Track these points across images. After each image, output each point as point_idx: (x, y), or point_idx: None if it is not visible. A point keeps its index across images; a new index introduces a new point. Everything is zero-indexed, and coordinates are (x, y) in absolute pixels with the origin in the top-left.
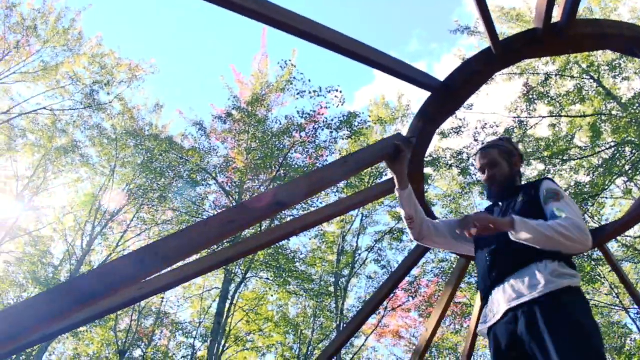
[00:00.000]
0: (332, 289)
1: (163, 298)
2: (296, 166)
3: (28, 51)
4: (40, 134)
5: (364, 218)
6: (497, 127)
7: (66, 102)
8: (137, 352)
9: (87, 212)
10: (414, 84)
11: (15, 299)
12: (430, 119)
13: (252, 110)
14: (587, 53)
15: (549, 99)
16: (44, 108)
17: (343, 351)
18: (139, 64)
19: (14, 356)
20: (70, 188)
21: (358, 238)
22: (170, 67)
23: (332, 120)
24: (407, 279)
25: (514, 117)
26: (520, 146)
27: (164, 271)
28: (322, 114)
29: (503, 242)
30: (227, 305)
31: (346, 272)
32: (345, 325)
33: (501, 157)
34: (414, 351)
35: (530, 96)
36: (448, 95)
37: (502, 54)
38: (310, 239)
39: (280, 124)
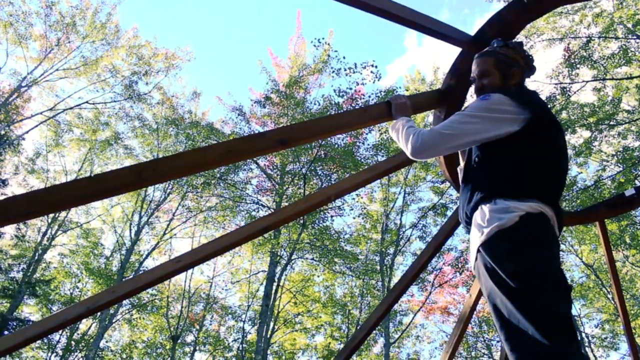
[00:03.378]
0: (377, 267)
1: (211, 283)
2: (336, 146)
3: (69, 48)
4: (84, 128)
5: (406, 195)
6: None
7: (107, 95)
8: (189, 337)
9: (133, 203)
10: (444, 40)
11: (71, 290)
12: (462, 76)
13: (290, 92)
14: (632, 12)
15: (592, 62)
16: (87, 102)
17: (392, 328)
18: (175, 52)
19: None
20: None
21: (401, 215)
22: (207, 53)
23: (370, 97)
24: (453, 254)
25: (556, 84)
26: (561, 109)
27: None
28: (360, 92)
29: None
30: (274, 288)
31: (391, 250)
32: (385, 295)
33: (496, 67)
34: (458, 319)
35: (572, 61)
36: (479, 50)
37: (534, 0)
38: (354, 218)
39: (319, 105)
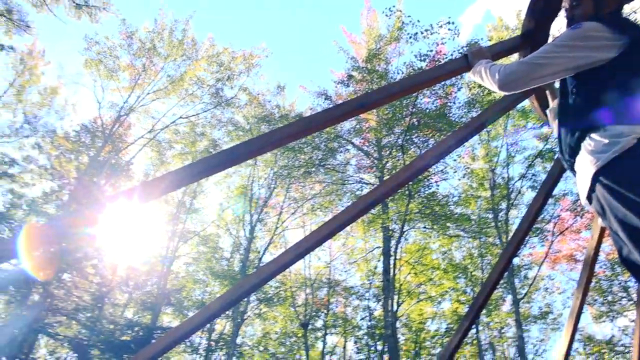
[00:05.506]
0: (492, 224)
1: (329, 267)
2: (427, 111)
3: (154, 70)
4: (183, 142)
5: (509, 147)
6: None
7: (198, 106)
8: (319, 323)
9: (242, 204)
10: None
11: (201, 294)
12: (541, 16)
13: (371, 67)
14: None
15: None
16: (181, 117)
17: (517, 284)
18: (252, 51)
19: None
20: (221, 185)
21: (508, 168)
22: (282, 46)
23: (452, 55)
24: (570, 197)
25: None
26: None
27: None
28: (441, 52)
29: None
30: (392, 262)
31: (503, 205)
32: (503, 250)
33: None
34: (584, 262)
35: None
36: None
37: None
38: (459, 180)
39: (402, 73)
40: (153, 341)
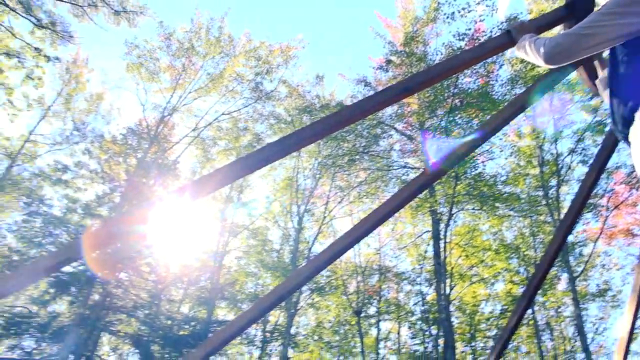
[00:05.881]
0: (543, 202)
1: (379, 254)
2: (469, 91)
3: (194, 69)
4: (227, 138)
5: (556, 121)
6: None
7: (239, 102)
8: (371, 310)
9: (288, 195)
10: None
11: (253, 287)
12: None
13: (409, 50)
14: None
15: None
16: (223, 114)
17: (572, 262)
18: (289, 43)
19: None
20: (266, 178)
21: (556, 144)
22: (318, 36)
23: (492, 32)
24: (623, 170)
25: None
26: None
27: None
28: (480, 30)
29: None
30: (442, 245)
31: (553, 181)
32: (557, 227)
33: None
34: None
35: None
36: None
37: None
38: (505, 159)
39: (441, 54)
40: (210, 335)
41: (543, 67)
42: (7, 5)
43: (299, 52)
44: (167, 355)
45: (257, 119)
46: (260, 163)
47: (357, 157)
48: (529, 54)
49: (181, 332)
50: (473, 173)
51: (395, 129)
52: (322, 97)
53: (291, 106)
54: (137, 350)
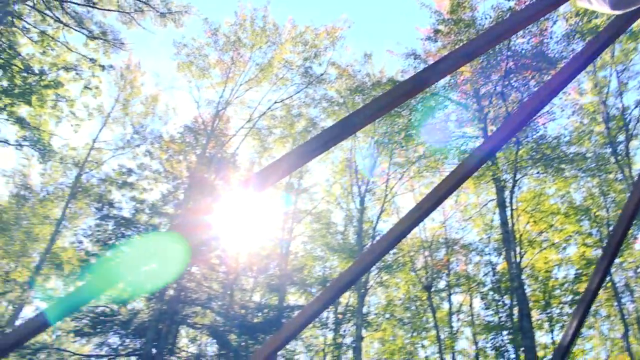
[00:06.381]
0: (612, 159)
1: (445, 226)
2: (523, 51)
3: (243, 61)
4: (282, 126)
5: (619, 74)
6: None
7: (290, 89)
8: (441, 284)
9: (348, 177)
10: None
11: (321, 270)
12: None
13: (456, 17)
14: None
15: None
16: (275, 102)
17: None
18: (334, 25)
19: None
20: (325, 161)
21: (621, 97)
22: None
23: None
24: None
25: None
26: None
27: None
28: None
29: None
30: (509, 213)
31: (621, 137)
32: (634, 182)
33: None
34: None
35: None
36: None
37: None
38: (568, 119)
39: (490, 17)
40: (283, 320)
41: (608, 13)
42: (60, 22)
43: (345, 32)
44: (243, 343)
45: (309, 104)
46: (322, 148)
47: (414, 131)
48: (592, 2)
49: (255, 320)
50: (534, 136)
51: (449, 99)
52: (372, 75)
53: (342, 87)
54: (214, 340)
